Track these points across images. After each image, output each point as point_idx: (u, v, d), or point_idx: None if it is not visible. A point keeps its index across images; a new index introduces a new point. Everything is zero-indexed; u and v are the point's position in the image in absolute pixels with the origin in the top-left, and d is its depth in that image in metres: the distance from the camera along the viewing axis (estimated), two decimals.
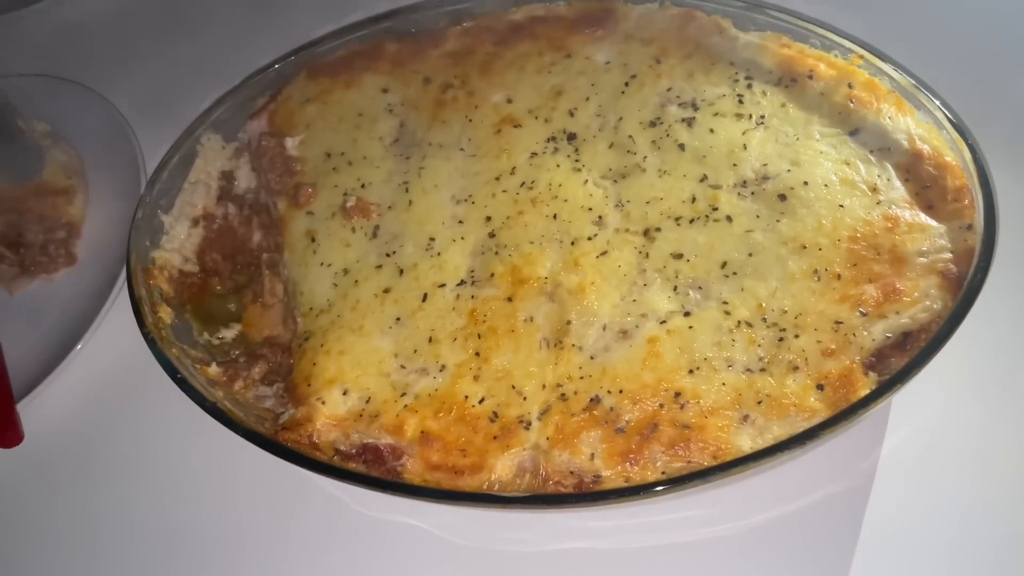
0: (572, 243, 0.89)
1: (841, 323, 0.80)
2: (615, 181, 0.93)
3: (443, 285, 0.89)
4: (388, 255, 0.92)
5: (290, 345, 0.91)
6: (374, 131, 1.03)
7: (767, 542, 0.80)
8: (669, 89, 0.98)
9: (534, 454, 0.78)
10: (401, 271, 0.91)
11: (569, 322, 0.84)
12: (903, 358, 0.77)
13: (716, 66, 0.99)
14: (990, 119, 0.94)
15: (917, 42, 1.06)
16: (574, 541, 0.83)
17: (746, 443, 0.75)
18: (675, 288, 0.85)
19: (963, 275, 0.79)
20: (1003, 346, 0.88)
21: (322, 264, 0.93)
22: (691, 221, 0.88)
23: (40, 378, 0.98)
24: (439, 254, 0.91)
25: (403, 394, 0.83)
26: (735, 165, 0.91)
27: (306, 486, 0.89)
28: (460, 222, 0.93)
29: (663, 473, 0.75)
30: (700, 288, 0.84)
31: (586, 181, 0.93)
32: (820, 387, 0.77)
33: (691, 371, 0.79)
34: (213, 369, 0.90)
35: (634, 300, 0.84)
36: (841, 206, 0.86)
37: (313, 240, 0.95)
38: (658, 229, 0.89)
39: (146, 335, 0.88)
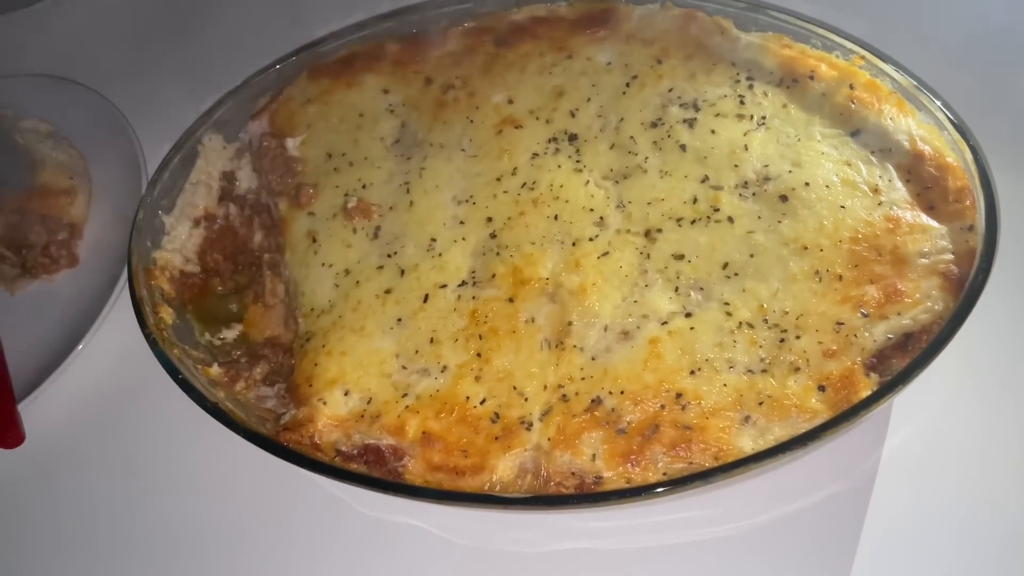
0: (573, 244, 0.89)
1: (842, 324, 0.80)
2: (616, 182, 0.93)
3: (444, 286, 0.89)
4: (389, 256, 0.92)
5: (291, 346, 0.91)
6: (375, 131, 1.03)
7: (768, 542, 0.80)
8: (670, 90, 0.98)
9: (535, 455, 0.78)
10: (402, 272, 0.91)
11: (570, 323, 0.84)
12: (904, 359, 0.77)
13: (717, 67, 0.99)
14: (991, 120, 0.94)
15: (918, 43, 1.06)
16: (575, 541, 0.83)
17: (747, 444, 0.75)
18: (676, 289, 0.85)
19: (964, 276, 0.79)
20: (1004, 347, 0.88)
21: (323, 265, 0.93)
22: (692, 222, 0.88)
23: (41, 379, 0.98)
24: (440, 255, 0.91)
25: (404, 395, 0.83)
26: (736, 166, 0.91)
27: (307, 487, 0.89)
28: (461, 223, 0.93)
29: (664, 474, 0.75)
30: (701, 289, 0.84)
31: (587, 182, 0.93)
32: (821, 388, 0.77)
33: (692, 372, 0.79)
34: (214, 370, 0.90)
35: (635, 301, 0.84)
36: (842, 207, 0.86)
37: (314, 241, 0.95)
38: (659, 230, 0.89)
39: (147, 336, 0.89)
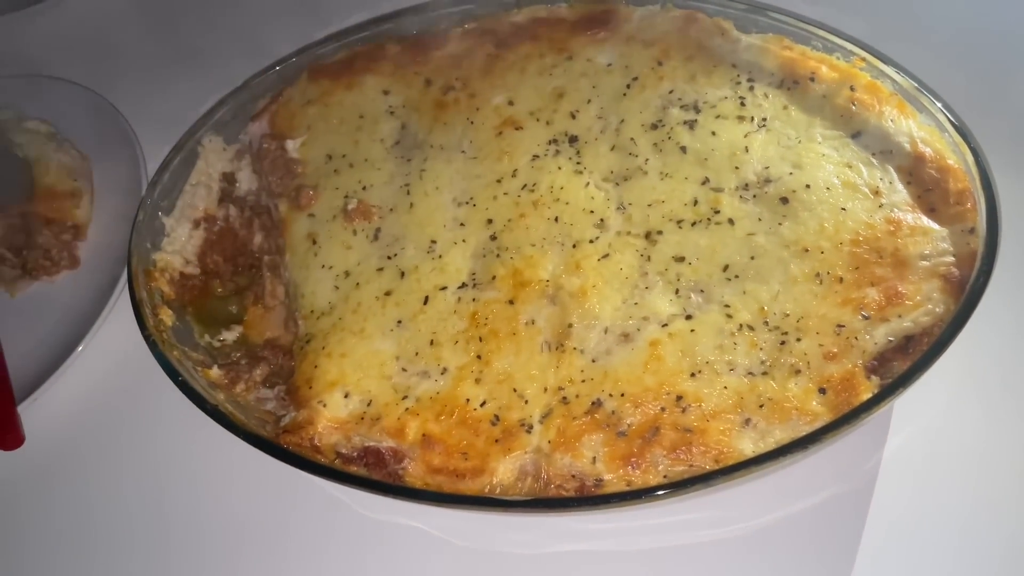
0: (573, 246, 0.89)
1: (843, 326, 0.80)
2: (617, 184, 0.93)
3: (444, 288, 0.89)
4: (389, 257, 0.92)
5: (291, 347, 0.91)
6: (375, 133, 1.03)
7: (769, 544, 0.80)
8: (671, 91, 0.98)
9: (536, 457, 0.78)
10: (402, 273, 0.91)
11: (570, 325, 0.84)
12: (905, 361, 0.77)
13: (718, 68, 0.99)
14: (992, 121, 0.94)
15: (919, 44, 1.06)
16: (576, 544, 0.83)
17: (748, 447, 0.75)
18: (677, 291, 0.85)
19: (965, 278, 0.79)
20: (1005, 348, 0.88)
21: (323, 266, 0.93)
22: (693, 224, 0.88)
23: (41, 380, 0.98)
24: (440, 256, 0.91)
25: (404, 397, 0.83)
26: (737, 168, 0.91)
27: (307, 488, 0.88)
28: (461, 224, 0.93)
29: (665, 477, 0.75)
30: (702, 291, 0.84)
31: (587, 183, 0.93)
32: (822, 391, 0.77)
33: (693, 374, 0.79)
34: (214, 371, 0.90)
35: (635, 303, 0.84)
36: (843, 209, 0.86)
37: (314, 242, 0.95)
38: (660, 232, 0.88)
39: (147, 337, 0.88)
